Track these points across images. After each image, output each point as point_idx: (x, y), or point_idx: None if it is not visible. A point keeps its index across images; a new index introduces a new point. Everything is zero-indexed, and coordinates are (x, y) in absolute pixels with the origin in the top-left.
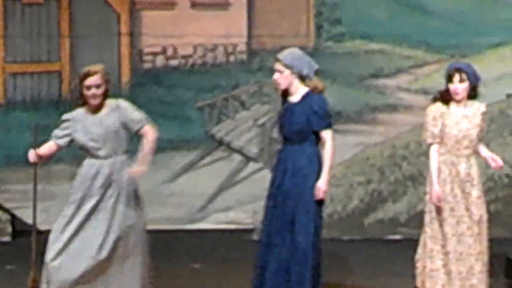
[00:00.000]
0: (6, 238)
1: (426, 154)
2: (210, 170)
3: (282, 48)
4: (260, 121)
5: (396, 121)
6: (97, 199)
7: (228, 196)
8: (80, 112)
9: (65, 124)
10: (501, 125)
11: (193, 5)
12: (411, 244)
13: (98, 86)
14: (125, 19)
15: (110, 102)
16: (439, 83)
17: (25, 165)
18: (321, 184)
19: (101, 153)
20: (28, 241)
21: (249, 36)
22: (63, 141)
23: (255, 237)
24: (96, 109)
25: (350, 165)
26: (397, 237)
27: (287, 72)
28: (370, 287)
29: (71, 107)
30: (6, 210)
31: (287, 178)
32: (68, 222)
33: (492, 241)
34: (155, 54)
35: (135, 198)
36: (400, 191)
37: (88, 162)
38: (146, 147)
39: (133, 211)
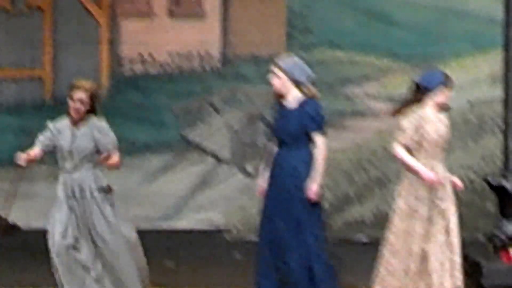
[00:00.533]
0: None
1: (392, 158)
2: (184, 172)
3: (255, 56)
4: (233, 126)
5: (363, 127)
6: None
7: (202, 197)
8: (64, 122)
9: (48, 132)
10: (463, 131)
11: (170, 15)
12: (376, 245)
13: (82, 102)
14: (105, 28)
15: (91, 120)
16: (404, 91)
17: (8, 165)
18: (312, 185)
19: (68, 165)
20: (12, 240)
21: (223, 44)
22: (47, 147)
23: (227, 237)
24: (76, 123)
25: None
26: (363, 238)
27: (283, 77)
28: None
29: (53, 111)
30: None
31: (287, 180)
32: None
33: None
34: (133, 61)
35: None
36: (366, 193)
37: (60, 178)
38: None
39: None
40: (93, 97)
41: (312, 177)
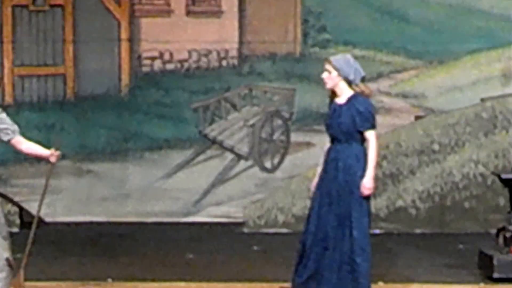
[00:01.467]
0: (15, 229)
1: (404, 153)
2: (203, 167)
3: (271, 53)
4: (250, 122)
5: (377, 123)
6: None
7: (220, 192)
8: None
9: None
10: (476, 127)
11: (188, 13)
12: (390, 237)
13: None
14: (125, 26)
15: None
16: (418, 88)
17: (33, 161)
18: (366, 182)
19: None
20: (36, 232)
21: (240, 42)
22: None
23: (245, 230)
24: None
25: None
26: (377, 231)
27: (334, 73)
28: None
29: (75, 108)
30: (15, 203)
31: (340, 176)
32: None
33: (467, 235)
34: (152, 58)
35: None
36: (380, 188)
37: None
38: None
39: None
40: None
41: (366, 173)
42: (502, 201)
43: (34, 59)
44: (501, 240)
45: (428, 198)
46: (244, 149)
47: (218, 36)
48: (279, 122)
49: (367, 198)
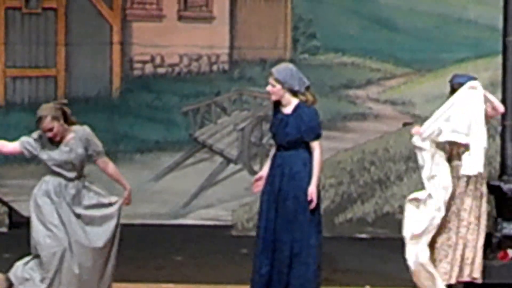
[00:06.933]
0: (4, 229)
1: (392, 159)
2: (193, 170)
3: (261, 59)
4: (240, 126)
5: (366, 129)
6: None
7: (210, 195)
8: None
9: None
10: None
11: (180, 18)
12: (377, 242)
13: (51, 130)
14: (116, 29)
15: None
16: (406, 95)
17: (22, 162)
18: (311, 189)
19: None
20: (24, 232)
21: (231, 47)
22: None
23: (233, 232)
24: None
25: (323, 168)
26: (365, 235)
27: (278, 86)
28: (339, 281)
29: None
30: (4, 203)
31: (285, 182)
32: None
33: None
34: (144, 62)
35: None
36: (368, 193)
37: None
38: None
39: None
40: (56, 116)
41: (311, 181)
42: (489, 207)
43: (26, 61)
44: (488, 246)
45: None
46: (233, 152)
47: (209, 41)
48: (268, 126)
49: (317, 204)
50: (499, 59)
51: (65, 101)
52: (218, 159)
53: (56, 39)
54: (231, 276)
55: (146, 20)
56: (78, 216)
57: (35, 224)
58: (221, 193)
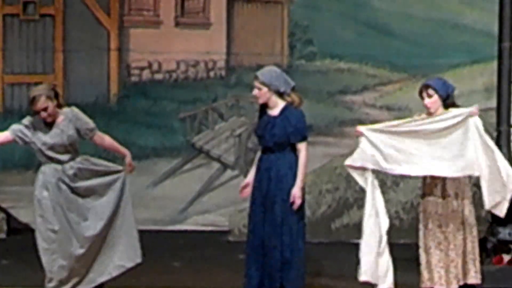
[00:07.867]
0: (2, 236)
1: None
2: (190, 176)
3: (258, 65)
4: (237, 132)
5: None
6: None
7: (207, 200)
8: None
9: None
10: None
11: (177, 24)
12: None
13: (45, 109)
14: (114, 36)
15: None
16: (402, 100)
17: (20, 169)
18: (295, 191)
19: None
20: (22, 238)
21: (228, 53)
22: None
23: (230, 238)
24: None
25: (319, 174)
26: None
27: (264, 89)
28: (335, 287)
29: None
30: (2, 210)
31: (272, 185)
32: None
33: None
34: (141, 68)
35: None
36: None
37: None
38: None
39: None
40: (50, 95)
41: (295, 182)
42: (484, 212)
43: (24, 67)
44: (483, 250)
45: (412, 209)
46: (230, 158)
47: (206, 47)
48: None
49: (301, 206)
50: (494, 64)
51: (55, 82)
52: (215, 165)
53: (53, 46)
54: (228, 282)
55: (144, 26)
56: (79, 194)
57: (37, 225)
58: (218, 198)
